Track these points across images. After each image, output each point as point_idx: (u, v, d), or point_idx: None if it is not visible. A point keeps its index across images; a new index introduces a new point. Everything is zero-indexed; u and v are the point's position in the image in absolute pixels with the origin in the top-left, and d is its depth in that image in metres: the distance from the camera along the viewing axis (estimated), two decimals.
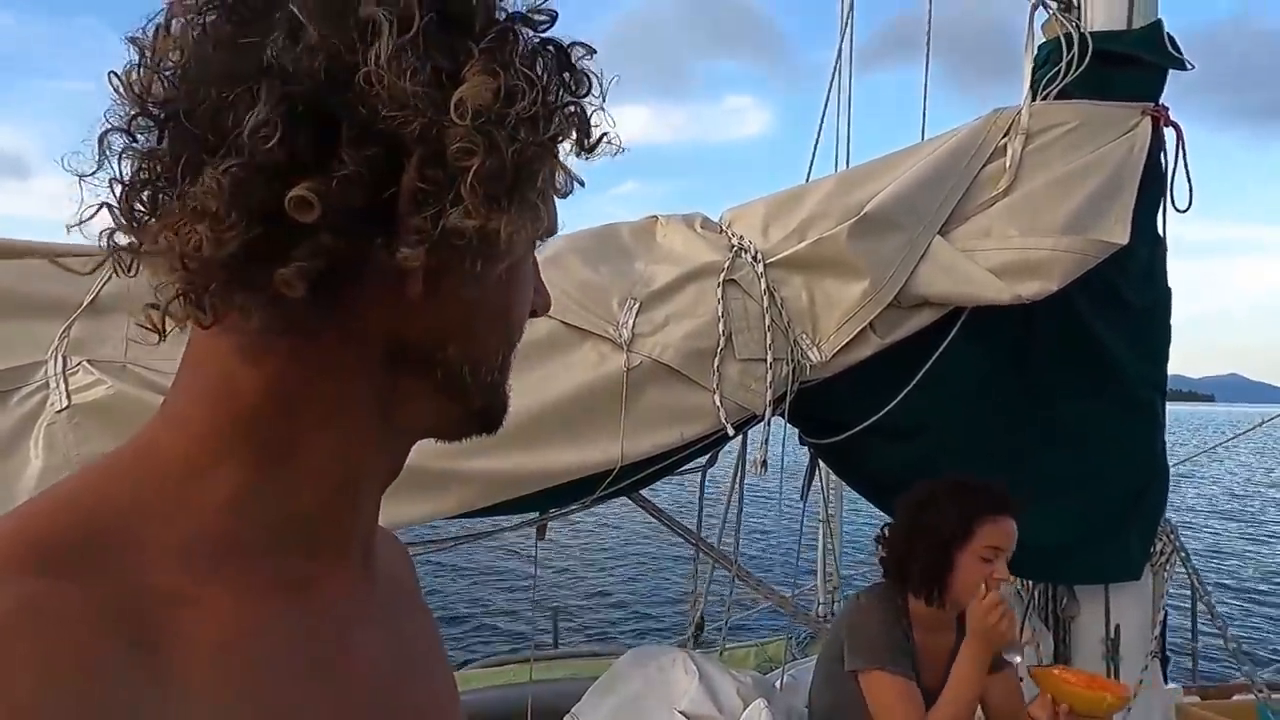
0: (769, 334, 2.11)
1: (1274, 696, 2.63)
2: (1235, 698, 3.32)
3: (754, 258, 2.16)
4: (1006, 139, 2.39)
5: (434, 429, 0.61)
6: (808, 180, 4.04)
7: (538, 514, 2.26)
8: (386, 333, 0.53)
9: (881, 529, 2.23)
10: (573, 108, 0.53)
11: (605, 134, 0.55)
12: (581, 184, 0.57)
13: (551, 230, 0.58)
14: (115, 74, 0.50)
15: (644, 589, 11.63)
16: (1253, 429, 4.69)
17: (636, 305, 2.09)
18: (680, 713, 2.07)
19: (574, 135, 0.54)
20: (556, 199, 0.58)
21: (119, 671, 0.42)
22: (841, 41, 3.76)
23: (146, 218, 0.49)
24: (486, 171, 0.48)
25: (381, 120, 0.46)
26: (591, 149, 0.55)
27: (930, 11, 3.68)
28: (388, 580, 0.65)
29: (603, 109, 0.55)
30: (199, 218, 0.46)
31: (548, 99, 0.51)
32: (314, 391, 0.53)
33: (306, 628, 0.53)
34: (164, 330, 0.52)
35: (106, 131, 0.49)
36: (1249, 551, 16.50)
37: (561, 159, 0.55)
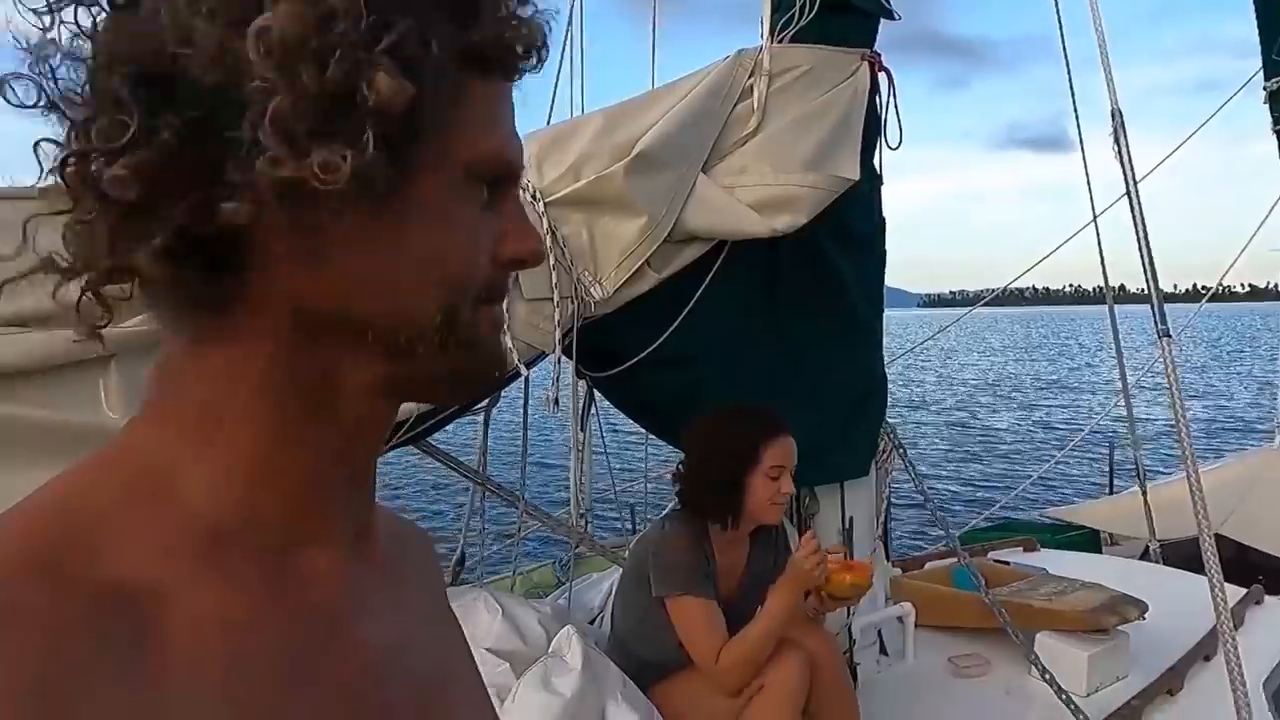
0: (554, 273, 2.13)
1: (969, 560, 3.11)
2: (927, 565, 3.90)
3: (534, 196, 2.16)
4: (752, 80, 2.55)
5: (395, 393, 0.56)
6: (550, 112, 4.04)
7: None
8: (290, 302, 0.50)
9: (676, 465, 2.37)
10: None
11: (522, 21, 0.52)
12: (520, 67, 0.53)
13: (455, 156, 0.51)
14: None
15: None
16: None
17: None
18: (486, 649, 2.09)
19: (441, 40, 0.48)
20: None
21: (90, 671, 0.42)
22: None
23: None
24: (286, 111, 0.44)
25: (182, 70, 0.45)
26: (506, 49, 0.52)
27: None
28: (396, 572, 0.62)
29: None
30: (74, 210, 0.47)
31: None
32: (237, 376, 0.51)
33: (291, 623, 0.52)
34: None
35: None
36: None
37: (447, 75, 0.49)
